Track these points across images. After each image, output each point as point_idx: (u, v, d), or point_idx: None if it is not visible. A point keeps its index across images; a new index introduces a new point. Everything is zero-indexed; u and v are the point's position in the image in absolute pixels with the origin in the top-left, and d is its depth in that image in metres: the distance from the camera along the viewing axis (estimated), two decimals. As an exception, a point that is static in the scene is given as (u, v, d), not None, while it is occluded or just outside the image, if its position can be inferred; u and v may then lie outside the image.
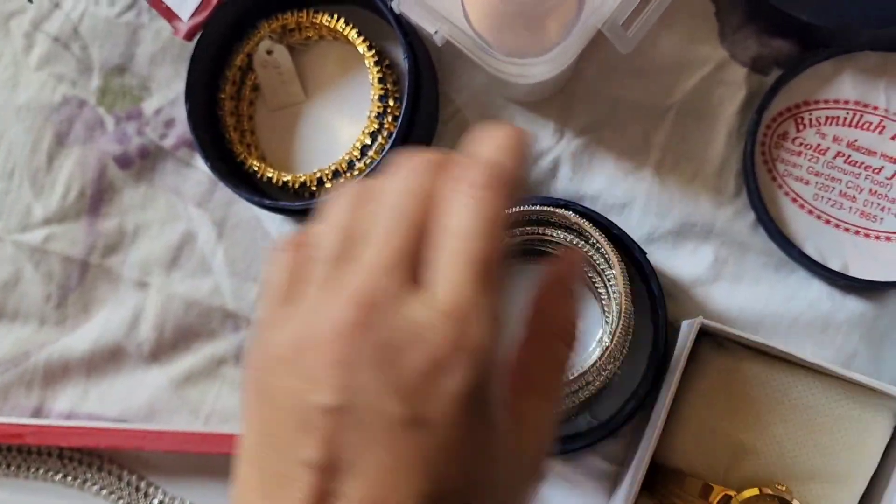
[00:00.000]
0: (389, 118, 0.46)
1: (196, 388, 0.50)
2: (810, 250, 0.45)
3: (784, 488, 0.38)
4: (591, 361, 0.42)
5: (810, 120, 0.46)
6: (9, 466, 0.50)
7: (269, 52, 0.49)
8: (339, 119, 0.50)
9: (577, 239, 0.44)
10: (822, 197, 0.46)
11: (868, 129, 0.45)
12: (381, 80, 0.46)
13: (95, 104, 0.52)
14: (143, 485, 0.49)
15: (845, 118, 0.46)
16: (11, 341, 0.52)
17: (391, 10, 0.44)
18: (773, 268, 0.46)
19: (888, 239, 0.45)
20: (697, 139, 0.47)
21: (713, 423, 0.40)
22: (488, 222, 0.22)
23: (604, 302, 0.45)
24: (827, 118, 0.46)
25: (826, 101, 0.46)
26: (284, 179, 0.47)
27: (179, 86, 0.52)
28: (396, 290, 0.22)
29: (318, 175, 0.46)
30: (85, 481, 0.49)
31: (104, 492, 0.49)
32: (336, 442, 0.21)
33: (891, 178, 0.45)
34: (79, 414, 0.51)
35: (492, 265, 0.22)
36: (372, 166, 0.45)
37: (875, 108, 0.45)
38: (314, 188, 0.47)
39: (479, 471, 0.22)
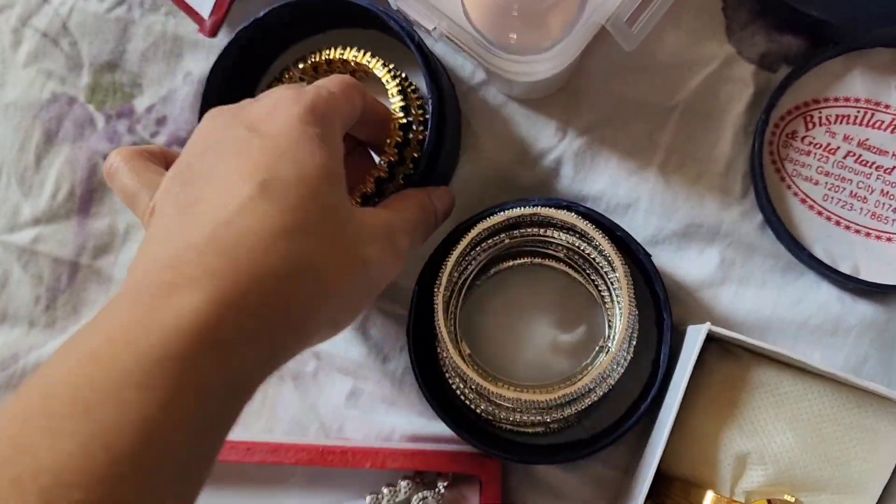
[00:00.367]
0: (412, 147, 0.42)
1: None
2: (820, 253, 0.44)
3: (794, 499, 0.36)
4: (595, 367, 0.41)
5: (820, 118, 0.45)
6: None
7: None
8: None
9: (579, 241, 0.43)
10: (832, 198, 0.44)
11: (879, 127, 0.44)
12: (403, 109, 0.42)
13: (85, 101, 0.51)
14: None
15: (856, 117, 0.44)
16: (0, 345, 0.51)
17: (411, 36, 0.42)
18: (781, 270, 0.45)
19: (900, 241, 0.44)
20: (703, 138, 0.46)
21: (720, 432, 0.38)
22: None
23: (607, 306, 0.44)
24: (837, 117, 0.44)
25: (836, 99, 0.45)
26: None
27: (171, 83, 0.51)
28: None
29: None
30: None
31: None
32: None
33: (902, 178, 0.44)
34: (68, 419, 0.50)
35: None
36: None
37: (887, 107, 0.44)
38: None
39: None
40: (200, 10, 0.48)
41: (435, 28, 0.41)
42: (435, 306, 0.41)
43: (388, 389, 0.47)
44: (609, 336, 0.43)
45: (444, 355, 0.42)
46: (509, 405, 0.41)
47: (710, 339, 0.41)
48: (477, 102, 0.47)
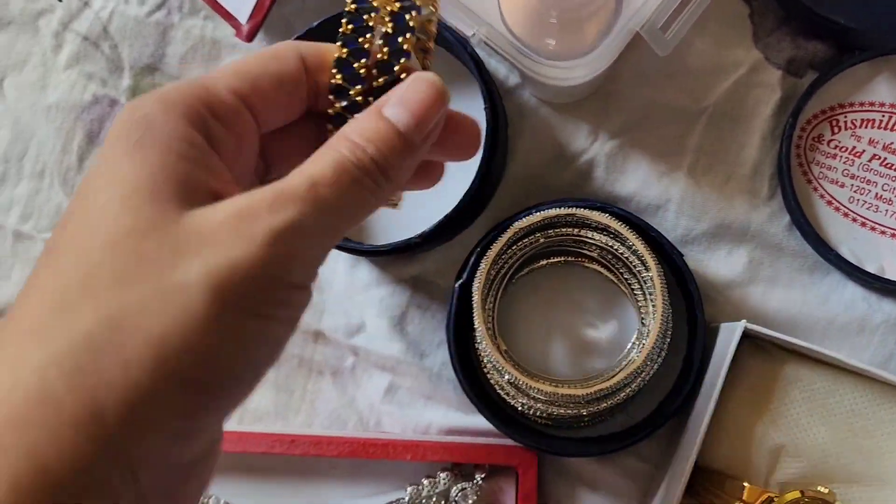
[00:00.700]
0: None
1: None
2: (846, 253, 0.45)
3: (827, 491, 0.38)
4: (629, 364, 0.42)
5: (845, 122, 0.46)
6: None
7: None
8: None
9: (613, 241, 0.44)
10: (858, 200, 0.46)
11: (903, 131, 0.46)
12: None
13: (126, 103, 0.52)
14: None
15: (881, 121, 0.46)
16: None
17: (464, 45, 0.42)
18: (808, 270, 0.47)
19: (923, 242, 0.45)
20: (731, 141, 0.47)
21: (754, 426, 0.40)
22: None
23: (640, 304, 0.45)
24: (862, 121, 0.46)
25: (861, 104, 0.46)
26: None
27: (210, 86, 0.52)
28: None
29: None
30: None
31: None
32: None
33: (926, 180, 0.45)
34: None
35: None
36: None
37: (911, 111, 0.45)
38: None
39: None
40: (238, 16, 0.50)
41: (474, 34, 0.43)
42: (473, 303, 0.43)
43: (425, 385, 0.48)
44: (644, 334, 0.44)
45: (483, 351, 0.43)
46: (546, 399, 0.42)
47: (743, 336, 0.42)
48: (511, 106, 0.49)
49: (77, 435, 0.19)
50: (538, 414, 0.44)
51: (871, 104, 0.46)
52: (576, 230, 0.45)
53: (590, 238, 0.44)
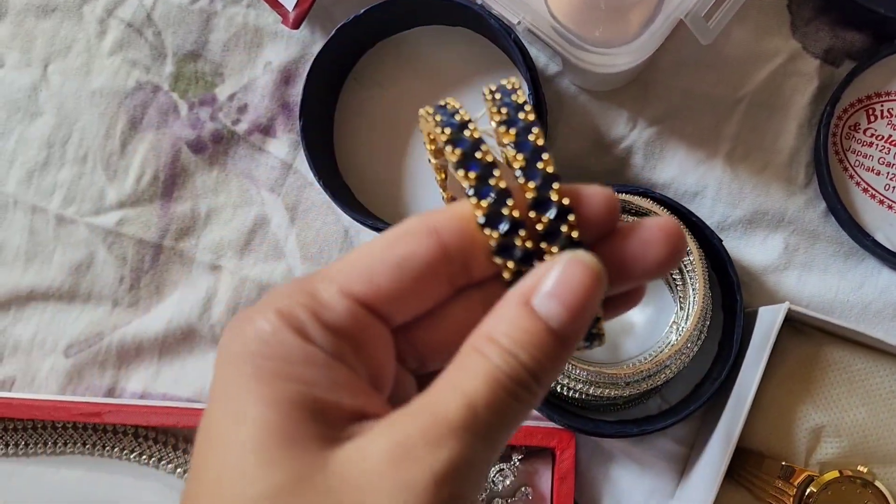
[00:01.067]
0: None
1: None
2: (882, 239, 0.46)
3: (866, 470, 0.39)
4: (668, 345, 0.43)
5: (882, 111, 0.47)
6: (84, 445, 0.50)
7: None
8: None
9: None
10: (894, 187, 0.46)
11: (939, 120, 0.46)
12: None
13: (169, 90, 0.53)
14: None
15: (917, 110, 0.46)
16: (85, 323, 0.53)
17: (508, 32, 0.43)
18: (843, 256, 0.47)
19: (958, 229, 0.46)
20: (768, 130, 0.48)
21: (794, 407, 0.41)
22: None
23: (678, 287, 0.46)
24: (899, 110, 0.47)
25: (898, 93, 0.47)
26: None
27: (252, 72, 0.53)
28: None
29: None
30: (160, 459, 0.50)
31: (179, 470, 0.50)
32: None
33: (961, 169, 0.46)
34: (151, 394, 0.52)
35: None
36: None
37: (947, 101, 0.46)
38: None
39: None
40: (284, 2, 0.50)
41: (519, 22, 0.44)
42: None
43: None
44: (682, 317, 0.45)
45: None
46: (587, 379, 0.43)
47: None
48: (550, 94, 0.49)
49: None
50: (576, 395, 0.45)
51: (908, 93, 0.47)
52: (616, 215, 0.45)
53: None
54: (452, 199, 0.27)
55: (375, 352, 0.22)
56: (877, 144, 0.47)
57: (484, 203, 0.21)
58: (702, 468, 0.42)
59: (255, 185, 0.52)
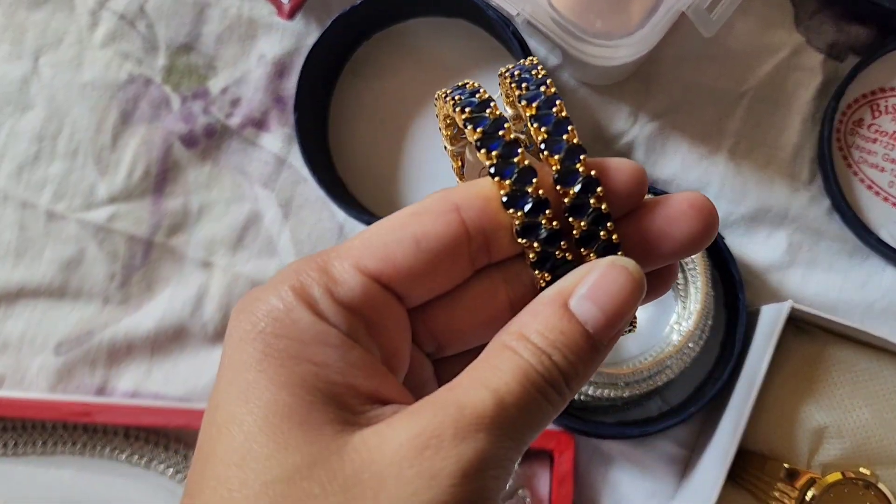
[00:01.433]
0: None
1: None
2: (886, 237, 0.45)
3: (869, 472, 0.38)
4: (670, 345, 0.42)
5: (886, 107, 0.46)
6: (74, 444, 0.50)
7: None
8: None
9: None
10: (899, 184, 0.46)
11: (946, 116, 0.45)
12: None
13: (161, 83, 0.52)
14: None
15: (923, 105, 0.45)
16: (76, 320, 0.52)
17: (507, 24, 0.43)
18: (847, 254, 0.46)
19: (964, 227, 0.45)
20: (772, 125, 0.47)
21: (797, 408, 0.40)
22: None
23: (679, 285, 0.45)
24: (904, 105, 0.46)
25: (903, 88, 0.46)
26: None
27: (245, 65, 0.52)
28: None
29: None
30: (151, 460, 0.49)
31: (170, 471, 0.49)
32: None
33: (968, 165, 0.45)
34: (143, 393, 0.51)
35: None
36: None
37: (953, 96, 0.45)
38: None
39: None
40: (278, -6, 0.50)
41: (518, 13, 0.43)
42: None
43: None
44: (683, 316, 0.44)
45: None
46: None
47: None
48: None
49: None
50: (575, 396, 0.44)
51: (914, 88, 0.46)
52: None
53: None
54: None
55: (390, 332, 0.21)
56: (881, 140, 0.46)
57: (507, 182, 0.20)
58: (703, 470, 0.42)
59: (248, 181, 0.51)
